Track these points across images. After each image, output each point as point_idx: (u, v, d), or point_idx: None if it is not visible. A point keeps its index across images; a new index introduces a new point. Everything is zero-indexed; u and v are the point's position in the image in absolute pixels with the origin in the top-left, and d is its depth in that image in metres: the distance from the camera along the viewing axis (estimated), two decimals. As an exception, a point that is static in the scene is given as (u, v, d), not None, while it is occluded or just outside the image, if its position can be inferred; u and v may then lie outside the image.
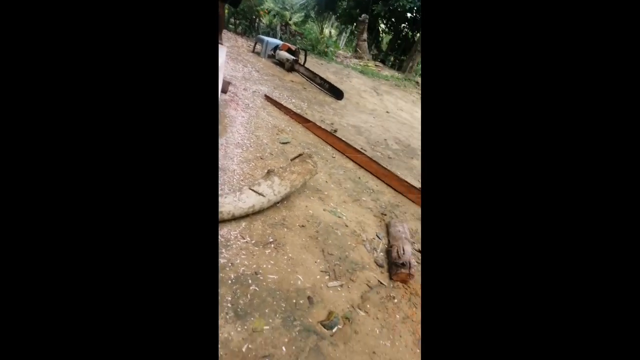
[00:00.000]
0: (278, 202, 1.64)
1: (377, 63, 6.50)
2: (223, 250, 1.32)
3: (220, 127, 2.17)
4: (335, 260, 1.50)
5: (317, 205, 1.82)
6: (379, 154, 2.76)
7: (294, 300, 1.24)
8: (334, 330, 1.19)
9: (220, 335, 1.02)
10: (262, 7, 5.78)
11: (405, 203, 2.22)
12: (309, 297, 1.28)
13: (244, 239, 1.42)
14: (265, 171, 1.71)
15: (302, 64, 4.09)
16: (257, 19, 5.41)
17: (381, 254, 1.66)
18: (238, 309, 1.13)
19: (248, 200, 1.46)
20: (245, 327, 1.08)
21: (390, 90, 5.40)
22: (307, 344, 1.10)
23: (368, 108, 3.87)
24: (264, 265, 1.33)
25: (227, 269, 1.25)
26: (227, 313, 1.10)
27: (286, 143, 2.28)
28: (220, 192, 1.56)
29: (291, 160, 1.76)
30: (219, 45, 2.65)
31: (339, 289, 1.37)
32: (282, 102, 2.84)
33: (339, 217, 1.80)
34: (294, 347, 1.07)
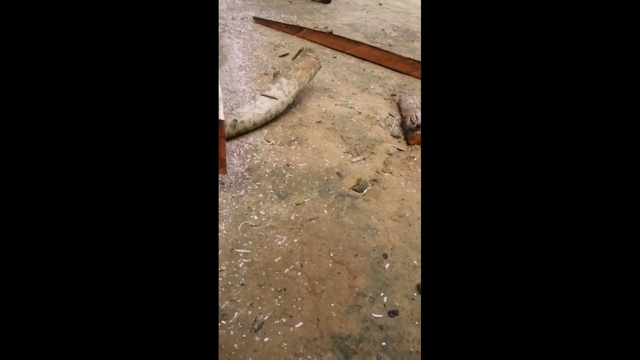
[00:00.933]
0: (291, 104, 1.74)
1: None
2: (254, 154, 1.48)
3: (220, 57, 2.20)
4: (354, 142, 1.62)
5: (328, 102, 1.89)
6: (379, 44, 2.67)
7: (325, 178, 1.40)
8: (364, 192, 1.36)
9: (270, 212, 1.22)
10: None
11: (412, 81, 2.22)
12: (337, 173, 1.44)
13: (269, 142, 1.56)
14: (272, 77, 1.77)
15: (282, -25, 3.80)
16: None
17: (396, 128, 1.75)
18: (280, 192, 1.31)
19: (263, 106, 1.57)
20: (289, 203, 1.27)
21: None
22: (344, 205, 1.28)
23: (359, 5, 3.63)
24: (293, 158, 1.48)
25: (262, 166, 1.42)
26: (271, 197, 1.29)
27: (285, 55, 2.28)
28: (235, 105, 1.67)
29: (292, 59, 1.79)
30: None
31: (363, 162, 1.51)
32: (271, 20, 2.75)
33: (351, 107, 1.87)
34: (333, 209, 1.26)
